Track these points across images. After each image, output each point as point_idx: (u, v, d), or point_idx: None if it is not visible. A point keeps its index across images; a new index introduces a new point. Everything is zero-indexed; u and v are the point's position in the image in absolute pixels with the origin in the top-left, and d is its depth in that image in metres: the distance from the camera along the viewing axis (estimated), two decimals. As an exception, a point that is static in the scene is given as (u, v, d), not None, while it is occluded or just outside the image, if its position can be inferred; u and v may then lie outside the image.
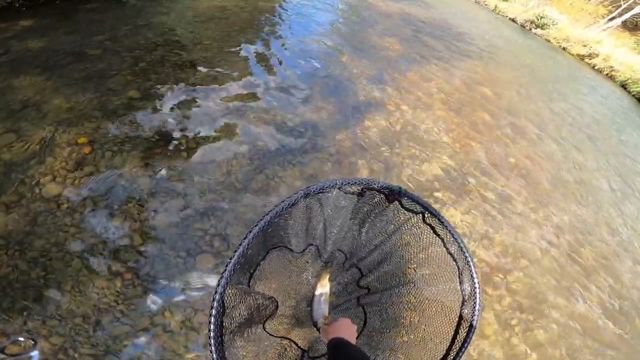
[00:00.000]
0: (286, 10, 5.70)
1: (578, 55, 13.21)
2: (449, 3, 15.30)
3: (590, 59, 12.84)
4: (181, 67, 3.07)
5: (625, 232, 3.45)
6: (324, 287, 1.33)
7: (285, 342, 1.26)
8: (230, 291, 0.83)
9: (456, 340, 0.96)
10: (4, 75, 2.50)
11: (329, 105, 3.22)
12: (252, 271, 1.16)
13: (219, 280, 0.80)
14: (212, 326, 0.76)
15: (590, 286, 2.60)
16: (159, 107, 2.54)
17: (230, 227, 1.92)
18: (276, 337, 1.24)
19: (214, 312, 0.77)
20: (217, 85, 2.96)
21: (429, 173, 2.90)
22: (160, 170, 2.11)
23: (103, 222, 1.79)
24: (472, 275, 1.00)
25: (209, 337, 0.76)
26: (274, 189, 2.20)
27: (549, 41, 14.33)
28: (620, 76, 11.58)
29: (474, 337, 0.94)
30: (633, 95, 10.66)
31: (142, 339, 1.48)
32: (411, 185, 2.71)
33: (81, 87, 2.55)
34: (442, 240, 1.07)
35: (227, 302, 0.82)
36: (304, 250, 1.38)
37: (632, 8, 16.31)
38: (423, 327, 1.15)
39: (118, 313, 1.53)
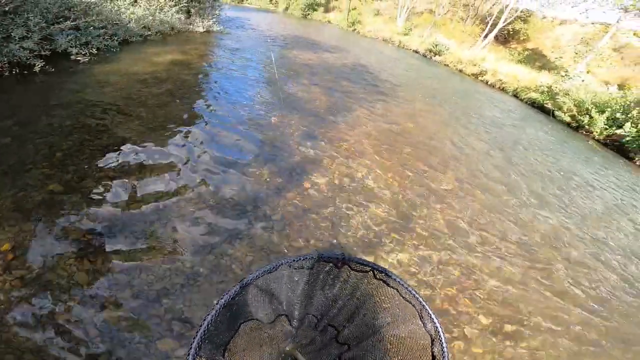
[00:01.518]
0: (209, 76, 6.03)
1: (472, 74, 15.87)
2: (360, 44, 17.51)
3: (482, 77, 15.48)
4: (103, 153, 3.01)
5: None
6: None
7: None
8: None
9: None
10: None
11: (266, 173, 3.39)
12: (225, 346, 1.21)
13: (185, 356, 0.87)
14: None
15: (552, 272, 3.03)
16: (83, 202, 2.45)
17: (188, 309, 1.91)
18: None
19: None
20: (145, 171, 2.94)
21: (374, 219, 3.15)
22: (97, 265, 2.04)
23: (47, 321, 1.66)
24: (430, 316, 1.14)
25: None
26: (226, 267, 2.23)
27: (447, 65, 17.06)
28: (509, 87, 14.07)
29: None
30: (525, 102, 12.99)
31: None
32: (361, 232, 2.92)
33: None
34: (397, 289, 1.22)
35: None
36: (274, 320, 1.43)
37: (496, 24, 20.41)
38: None
39: None
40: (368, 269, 1.24)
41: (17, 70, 4.28)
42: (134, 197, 2.62)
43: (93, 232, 2.25)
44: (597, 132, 9.82)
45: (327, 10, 28.51)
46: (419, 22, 23.34)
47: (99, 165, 2.86)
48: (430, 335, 1.13)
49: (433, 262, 2.84)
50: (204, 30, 10.21)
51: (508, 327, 2.44)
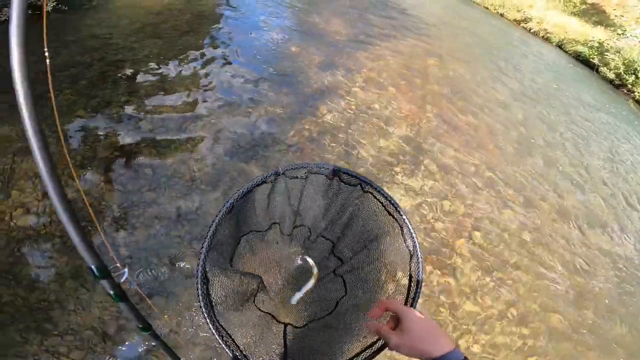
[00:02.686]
0: (228, 7, 5.74)
1: (515, 20, 14.37)
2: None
3: (525, 23, 14.03)
4: (126, 80, 3.13)
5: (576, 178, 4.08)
6: (309, 283, 1.45)
7: (268, 317, 1.41)
8: (213, 268, 1.02)
9: (409, 296, 1.13)
10: None
11: (283, 98, 3.44)
12: (230, 257, 1.32)
13: (198, 257, 0.99)
14: (199, 291, 0.95)
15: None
16: (111, 124, 2.63)
17: (206, 229, 2.12)
18: (261, 311, 1.39)
19: (199, 286, 0.95)
20: (166, 94, 3.07)
21: (386, 149, 3.24)
22: (127, 185, 2.26)
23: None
24: (410, 232, 1.18)
25: (200, 307, 0.94)
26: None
27: (487, 8, 15.41)
28: (555, 38, 12.87)
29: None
30: (569, 54, 12.02)
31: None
32: (372, 160, 3.03)
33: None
34: (382, 204, 1.27)
35: (212, 275, 1.00)
36: (268, 229, 1.51)
37: None
38: (388, 283, 1.33)
39: (122, 320, 1.72)
40: (357, 181, 1.29)
41: (30, 12, 4.22)
42: (154, 118, 2.78)
43: (118, 147, 2.47)
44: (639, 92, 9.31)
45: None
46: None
47: (122, 90, 2.99)
48: (409, 251, 1.19)
49: (438, 196, 2.96)
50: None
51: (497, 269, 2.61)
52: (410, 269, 1.20)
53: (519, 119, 4.91)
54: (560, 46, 12.61)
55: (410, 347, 0.66)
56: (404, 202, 2.78)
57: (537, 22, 13.77)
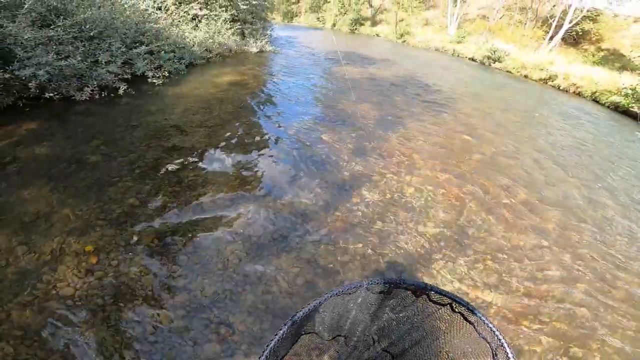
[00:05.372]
0: (264, 97, 6.45)
1: (540, 79, 14.74)
2: (411, 55, 17.40)
3: (552, 81, 14.30)
4: (174, 169, 3.44)
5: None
6: None
7: None
8: None
9: None
10: (15, 186, 2.83)
11: (315, 188, 3.51)
12: (282, 355, 1.25)
13: None
14: None
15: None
16: (157, 211, 2.82)
17: (233, 316, 2.05)
18: None
19: None
20: (209, 182, 3.30)
21: (425, 236, 3.06)
22: (162, 269, 2.31)
23: (112, 318, 1.92)
24: (507, 355, 1.04)
25: None
26: (271, 278, 2.36)
27: (509, 72, 16.08)
28: (586, 91, 12.85)
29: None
30: (607, 107, 11.77)
31: None
32: (409, 250, 2.85)
33: (85, 197, 2.84)
34: (473, 325, 1.15)
35: None
36: (332, 339, 1.46)
37: (561, 25, 18.83)
38: None
39: None
40: (448, 301, 1.18)
41: (105, 93, 5.09)
42: (196, 206, 2.96)
43: (159, 235, 2.58)
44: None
45: (374, 24, 28.99)
46: (472, 29, 22.55)
47: (170, 180, 3.26)
48: None
49: (487, 284, 2.65)
50: (258, 50, 11.08)
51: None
52: None
53: (575, 193, 4.56)
54: (595, 100, 12.49)
55: None
56: (450, 289, 2.57)
57: (564, 78, 13.98)
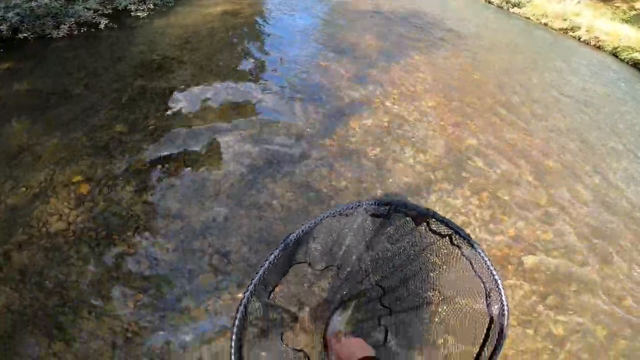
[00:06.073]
0: (262, 24, 6.01)
1: (560, 29, 13.76)
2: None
3: (573, 32, 13.38)
4: (163, 95, 3.30)
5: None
6: (345, 310, 1.37)
7: (301, 354, 1.33)
8: (252, 304, 0.92)
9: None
10: (-3, 123, 2.72)
11: (312, 113, 3.41)
12: (273, 285, 1.22)
13: (244, 293, 0.89)
14: (234, 336, 0.83)
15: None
16: (146, 137, 2.75)
17: (228, 244, 2.09)
18: (292, 349, 1.32)
19: (237, 322, 0.85)
20: (201, 108, 3.19)
21: (422, 164, 3.06)
22: (154, 196, 2.30)
23: (106, 251, 1.97)
24: (500, 298, 1.00)
25: (231, 347, 0.83)
26: (265, 203, 2.37)
27: (528, 19, 14.92)
28: (608, 45, 12.19)
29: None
30: (627, 62, 11.28)
31: (159, 357, 1.63)
32: (406, 179, 2.87)
33: (70, 127, 2.76)
34: (470, 261, 1.09)
35: (249, 313, 0.91)
36: (324, 269, 1.44)
37: None
38: (445, 347, 1.22)
39: (130, 333, 1.68)
40: (448, 231, 1.09)
41: (85, 29, 4.74)
42: (186, 133, 2.85)
43: (151, 159, 2.54)
44: None
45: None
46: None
47: (160, 106, 3.14)
48: (491, 317, 1.01)
49: (480, 219, 2.69)
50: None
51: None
52: (487, 334, 1.00)
53: (580, 133, 4.50)
54: (614, 54, 11.90)
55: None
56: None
57: (587, 30, 13.11)
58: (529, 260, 2.50)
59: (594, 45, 12.52)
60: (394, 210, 1.11)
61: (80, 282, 1.82)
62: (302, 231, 0.99)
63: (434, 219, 1.09)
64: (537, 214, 2.94)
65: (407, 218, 1.12)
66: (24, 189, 2.23)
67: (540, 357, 1.96)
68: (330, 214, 1.04)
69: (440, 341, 1.26)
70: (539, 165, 3.58)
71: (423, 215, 1.10)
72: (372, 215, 1.13)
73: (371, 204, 1.08)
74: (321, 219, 1.03)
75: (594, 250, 2.76)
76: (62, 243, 1.97)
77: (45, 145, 2.55)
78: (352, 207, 1.06)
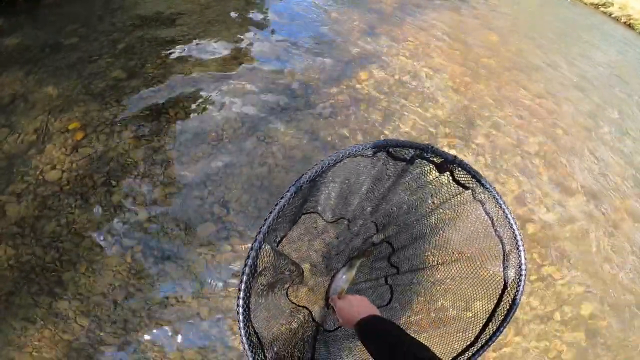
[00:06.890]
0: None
1: (592, 4, 12.98)
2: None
3: (605, 8, 12.67)
4: (162, 44, 3.12)
5: None
6: (351, 268, 1.31)
7: (305, 311, 1.31)
8: (264, 251, 0.84)
9: (487, 329, 0.94)
10: (-14, 74, 2.59)
11: (320, 63, 3.26)
12: (282, 234, 1.16)
13: (255, 236, 0.80)
14: (243, 285, 0.77)
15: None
16: (145, 83, 2.62)
17: (228, 193, 2.03)
18: (296, 305, 1.30)
19: (247, 270, 0.78)
20: (202, 56, 3.03)
21: (432, 118, 2.96)
22: (152, 142, 2.22)
23: (104, 200, 1.92)
24: (520, 262, 0.94)
25: (238, 298, 0.77)
26: (268, 150, 2.30)
27: (558, -9, 14.03)
28: (639, 24, 11.58)
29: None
30: None
31: (158, 311, 1.63)
32: (413, 133, 2.78)
33: (65, 75, 2.63)
34: (492, 220, 1.00)
35: (259, 262, 0.84)
36: (336, 221, 1.37)
37: None
38: (454, 310, 1.16)
39: (131, 287, 1.66)
40: (473, 183, 0.98)
41: None
42: (188, 77, 2.76)
43: (149, 107, 2.44)
44: None
45: None
46: None
47: (159, 53, 2.99)
48: (505, 282, 0.95)
49: (488, 177, 2.60)
50: None
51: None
52: (500, 299, 0.95)
53: (594, 103, 4.33)
54: (646, 34, 11.25)
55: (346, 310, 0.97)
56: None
57: (620, 7, 12.40)
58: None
59: (624, 22, 11.88)
60: (418, 156, 0.97)
61: (77, 230, 1.79)
62: (317, 172, 0.85)
63: (459, 168, 0.98)
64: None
65: (430, 166, 1.00)
66: (18, 135, 2.16)
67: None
68: (350, 152, 0.88)
69: (449, 304, 1.20)
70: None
71: (449, 163, 0.97)
72: (394, 158, 0.99)
73: (397, 145, 0.95)
74: (341, 157, 0.87)
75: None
76: (62, 192, 1.93)
77: (40, 93, 2.44)
78: (374, 147, 0.92)
